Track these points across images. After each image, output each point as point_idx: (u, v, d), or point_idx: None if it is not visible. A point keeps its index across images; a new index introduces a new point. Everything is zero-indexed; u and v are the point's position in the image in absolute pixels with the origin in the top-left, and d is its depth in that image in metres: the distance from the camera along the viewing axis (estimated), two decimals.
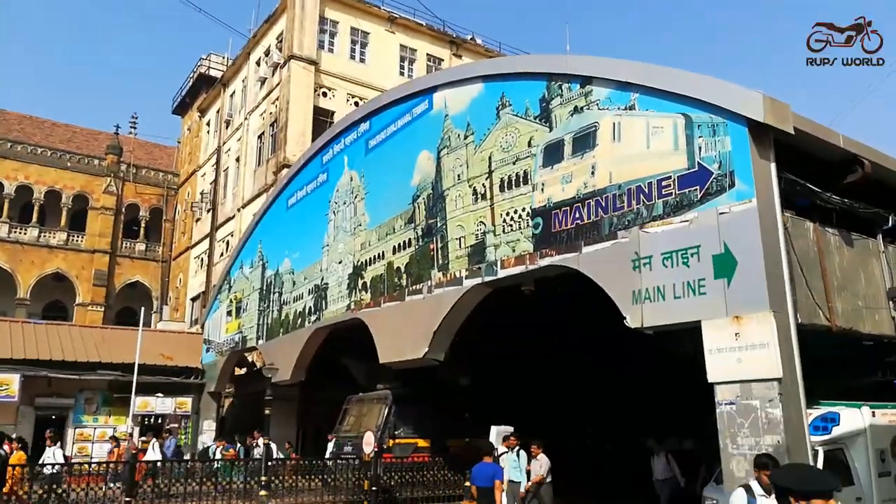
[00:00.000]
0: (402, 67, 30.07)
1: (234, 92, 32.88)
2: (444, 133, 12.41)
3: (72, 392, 19.51)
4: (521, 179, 10.39)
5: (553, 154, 9.82)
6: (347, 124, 15.65)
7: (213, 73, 36.63)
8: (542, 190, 9.88)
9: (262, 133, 28.85)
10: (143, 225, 38.47)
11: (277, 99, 27.34)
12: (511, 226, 10.36)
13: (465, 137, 11.88)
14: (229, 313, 20.04)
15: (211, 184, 33.50)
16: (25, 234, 35.07)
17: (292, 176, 17.78)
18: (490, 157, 11.15)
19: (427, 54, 31.02)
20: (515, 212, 10.34)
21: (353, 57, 28.88)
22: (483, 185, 11.20)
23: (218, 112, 34.32)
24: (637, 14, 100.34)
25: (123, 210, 37.86)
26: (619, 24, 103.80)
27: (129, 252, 37.76)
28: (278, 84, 27.40)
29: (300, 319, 16.02)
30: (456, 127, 12.18)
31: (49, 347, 19.94)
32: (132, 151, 39.79)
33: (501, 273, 10.37)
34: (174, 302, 36.74)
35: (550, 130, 9.92)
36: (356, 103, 26.12)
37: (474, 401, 14.40)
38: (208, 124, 35.86)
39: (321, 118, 26.48)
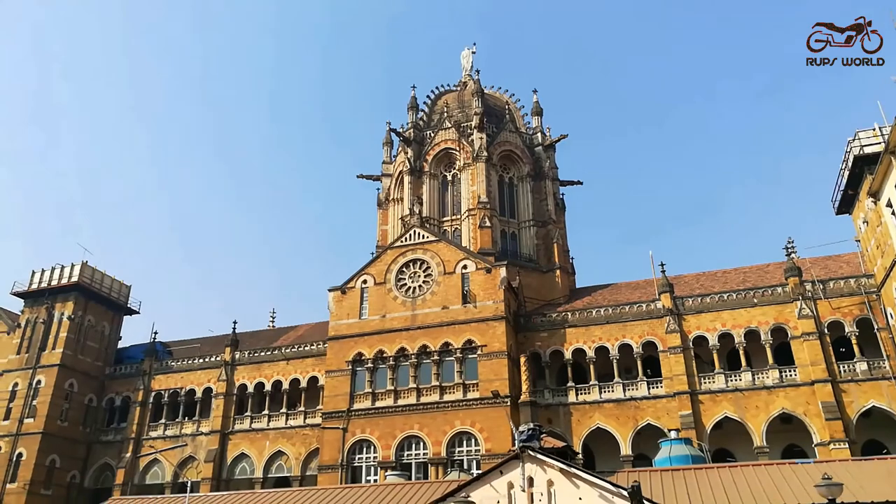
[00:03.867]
0: None
1: None
2: None
3: None
4: None
5: None
6: None
7: (868, 150, 31.88)
8: None
9: None
10: (854, 341, 33.82)
11: None
12: None
13: None
14: None
15: None
16: (740, 380, 34.89)
17: None
18: None
19: None
20: None
21: None
22: None
23: None
24: None
25: (826, 331, 34.29)
26: None
27: (851, 375, 33.25)
28: None
29: None
30: None
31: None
32: (808, 270, 36.91)
33: None
34: None
35: None
36: None
37: None
38: (889, 204, 30.47)
39: None
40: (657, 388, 36.36)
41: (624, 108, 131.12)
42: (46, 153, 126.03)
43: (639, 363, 37.38)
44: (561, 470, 19.19)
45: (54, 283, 48.73)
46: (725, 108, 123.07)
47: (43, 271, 49.48)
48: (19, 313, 49.93)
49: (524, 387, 23.00)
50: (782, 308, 35.44)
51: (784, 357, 35.17)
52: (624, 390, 36.90)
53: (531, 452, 19.48)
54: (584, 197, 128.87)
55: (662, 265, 38.96)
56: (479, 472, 30.76)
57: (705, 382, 35.55)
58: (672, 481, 19.50)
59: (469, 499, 17.28)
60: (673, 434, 26.20)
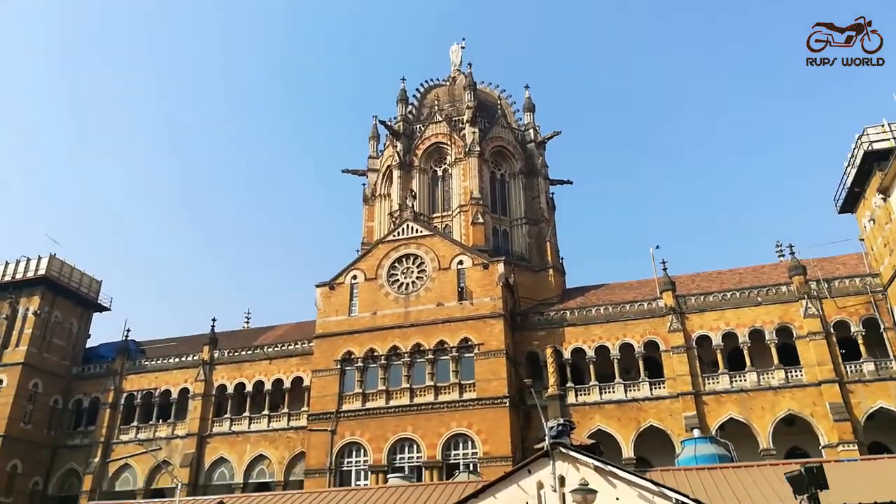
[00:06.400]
0: None
1: None
2: None
3: None
4: None
5: None
6: None
7: (877, 146, 31.50)
8: None
9: None
10: (860, 341, 33.28)
11: None
12: None
13: None
14: None
15: None
16: (745, 380, 34.09)
17: None
18: None
19: None
20: None
21: None
22: None
23: None
24: None
25: (832, 330, 33.72)
26: None
27: (858, 376, 32.69)
28: None
29: None
30: None
31: None
32: (811, 269, 36.38)
33: None
34: None
35: None
36: None
37: None
38: None
39: None
40: (660, 388, 35.35)
41: (616, 106, 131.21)
42: (15, 133, 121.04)
43: (640, 363, 36.36)
44: (596, 468, 17.75)
45: (19, 276, 45.85)
46: (720, 108, 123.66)
47: (7, 263, 46.55)
48: None
49: (551, 380, 21.61)
50: (787, 307, 34.79)
51: (788, 357, 34.46)
52: (625, 391, 35.83)
53: (563, 450, 18.05)
54: (570, 197, 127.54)
55: (664, 263, 38.14)
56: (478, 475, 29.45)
57: (709, 383, 34.66)
58: (712, 480, 18.27)
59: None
60: (696, 433, 25.09)
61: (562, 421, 18.74)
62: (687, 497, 16.38)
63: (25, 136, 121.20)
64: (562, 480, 18.13)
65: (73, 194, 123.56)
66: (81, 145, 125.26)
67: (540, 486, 18.30)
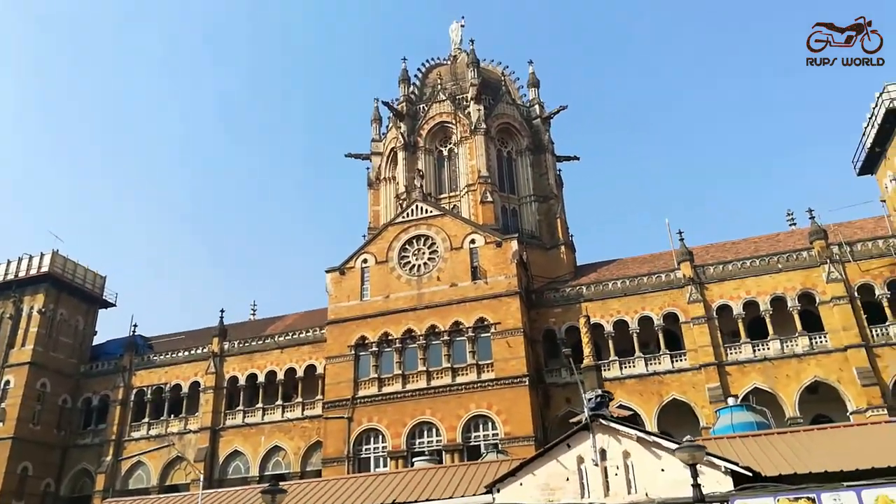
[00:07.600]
0: None
1: None
2: None
3: None
4: None
5: None
6: None
7: None
8: None
9: None
10: (886, 304, 32.62)
11: None
12: None
13: None
14: None
15: None
16: (769, 349, 33.42)
17: None
18: None
19: None
20: None
21: None
22: None
23: None
24: None
25: (857, 294, 33.03)
26: None
27: (885, 339, 32.05)
28: None
29: None
30: None
31: None
32: (832, 232, 35.65)
33: None
34: None
35: None
36: None
37: None
38: None
39: None
40: (681, 361, 34.71)
41: (620, 81, 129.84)
42: (12, 131, 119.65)
43: (660, 336, 35.67)
44: (639, 439, 17.11)
45: (22, 274, 44.97)
46: (723, 89, 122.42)
47: (9, 262, 45.65)
48: None
49: (586, 350, 20.97)
50: (809, 273, 34.07)
51: (811, 324, 33.80)
52: (646, 365, 35.17)
53: (603, 422, 17.38)
54: (575, 174, 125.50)
55: (681, 233, 37.43)
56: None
57: (732, 353, 33.99)
58: (758, 447, 17.57)
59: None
60: (731, 401, 24.47)
61: (600, 392, 18.05)
62: (737, 465, 15.70)
63: (24, 132, 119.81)
64: (603, 454, 17.50)
65: (72, 190, 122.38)
66: (77, 139, 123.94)
67: (580, 460, 17.68)
